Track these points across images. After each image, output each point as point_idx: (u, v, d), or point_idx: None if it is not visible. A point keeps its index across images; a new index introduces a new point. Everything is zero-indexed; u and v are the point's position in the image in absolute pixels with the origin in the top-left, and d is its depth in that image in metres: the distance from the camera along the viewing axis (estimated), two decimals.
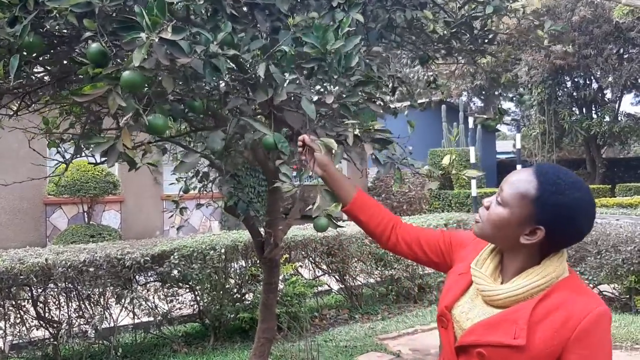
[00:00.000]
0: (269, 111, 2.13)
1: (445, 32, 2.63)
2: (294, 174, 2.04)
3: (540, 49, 18.00)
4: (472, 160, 11.52)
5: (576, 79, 23.27)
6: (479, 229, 1.45)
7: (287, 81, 1.92)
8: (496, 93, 29.34)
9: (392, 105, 3.39)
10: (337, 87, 1.95)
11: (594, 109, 23.37)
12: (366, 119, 2.06)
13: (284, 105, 2.08)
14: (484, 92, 30.33)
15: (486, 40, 2.84)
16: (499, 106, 2.90)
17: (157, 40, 1.51)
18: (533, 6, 2.86)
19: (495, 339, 1.33)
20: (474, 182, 11.37)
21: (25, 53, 1.68)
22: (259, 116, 2.51)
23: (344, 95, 1.98)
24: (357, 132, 2.00)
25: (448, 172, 2.33)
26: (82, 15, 1.62)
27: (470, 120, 12.74)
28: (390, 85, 3.35)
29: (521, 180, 1.37)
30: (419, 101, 3.90)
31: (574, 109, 23.31)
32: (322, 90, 1.93)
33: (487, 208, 1.43)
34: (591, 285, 6.29)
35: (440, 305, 1.53)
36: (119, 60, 1.69)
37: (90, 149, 1.77)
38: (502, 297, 1.36)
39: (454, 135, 18.18)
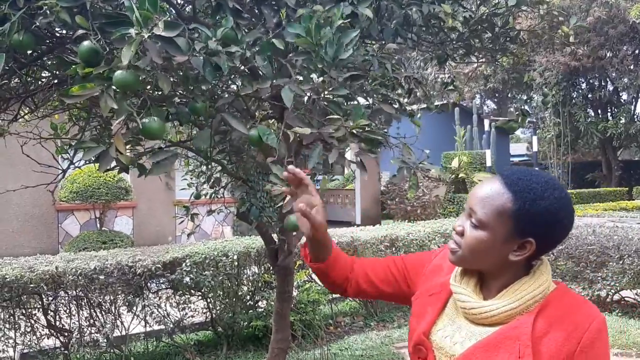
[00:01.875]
0: (279, 113, 2.02)
1: (464, 29, 2.51)
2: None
3: (555, 50, 17.79)
4: (489, 163, 11.36)
5: (591, 81, 22.97)
6: (457, 258, 1.31)
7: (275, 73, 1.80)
8: (509, 95, 29.08)
9: (408, 108, 3.28)
10: (321, 79, 1.79)
11: (609, 110, 23.06)
12: (356, 117, 1.78)
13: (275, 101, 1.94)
14: (497, 95, 30.11)
15: (508, 39, 2.72)
16: (522, 107, 2.77)
17: (147, 36, 1.41)
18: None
19: None
20: None
21: (15, 53, 1.59)
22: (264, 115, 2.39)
23: (331, 89, 1.80)
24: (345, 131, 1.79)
25: (457, 175, 2.21)
26: (75, 12, 1.53)
27: (486, 122, 12.57)
28: (406, 86, 3.25)
29: (492, 196, 1.25)
30: (435, 103, 3.78)
31: (589, 110, 23.02)
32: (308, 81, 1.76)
33: (461, 234, 1.29)
34: (613, 291, 6.13)
35: (417, 333, 1.36)
36: (111, 58, 1.59)
37: (82, 155, 1.66)
38: (495, 313, 1.24)
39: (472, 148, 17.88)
